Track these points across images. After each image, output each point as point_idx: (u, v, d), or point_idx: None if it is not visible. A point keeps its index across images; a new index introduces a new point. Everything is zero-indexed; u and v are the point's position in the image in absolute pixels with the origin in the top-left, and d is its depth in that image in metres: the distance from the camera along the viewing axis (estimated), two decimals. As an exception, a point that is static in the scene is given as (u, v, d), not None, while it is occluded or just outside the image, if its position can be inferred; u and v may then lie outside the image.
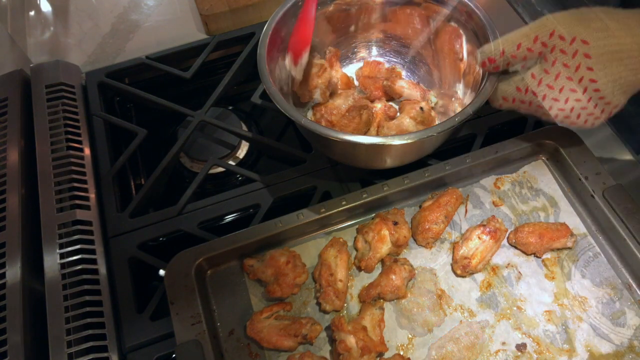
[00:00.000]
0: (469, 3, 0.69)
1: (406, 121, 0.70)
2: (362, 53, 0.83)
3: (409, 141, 0.58)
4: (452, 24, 0.73)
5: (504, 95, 0.63)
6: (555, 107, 0.59)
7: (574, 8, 0.57)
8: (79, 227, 0.65)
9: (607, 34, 0.54)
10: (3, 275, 0.60)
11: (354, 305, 0.62)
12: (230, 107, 0.87)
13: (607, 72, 0.54)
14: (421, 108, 0.70)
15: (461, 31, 0.72)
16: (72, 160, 0.71)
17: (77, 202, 0.67)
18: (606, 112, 0.58)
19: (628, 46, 0.53)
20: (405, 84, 0.76)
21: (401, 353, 0.58)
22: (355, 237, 0.65)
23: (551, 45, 0.56)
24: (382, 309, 0.59)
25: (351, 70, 0.82)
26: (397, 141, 0.58)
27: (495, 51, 0.60)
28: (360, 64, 0.82)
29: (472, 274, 0.63)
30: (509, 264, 0.64)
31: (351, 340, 0.55)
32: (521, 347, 0.58)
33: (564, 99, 0.58)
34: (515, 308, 0.61)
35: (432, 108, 0.74)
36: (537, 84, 0.59)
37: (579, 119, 0.59)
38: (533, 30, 0.57)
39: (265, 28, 0.68)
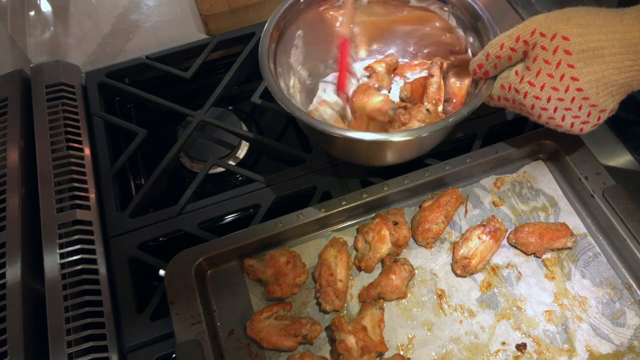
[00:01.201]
0: (476, 7, 0.69)
1: (415, 125, 0.70)
2: (363, 51, 0.83)
3: (409, 137, 0.58)
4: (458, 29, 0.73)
5: (490, 94, 0.62)
6: (538, 105, 0.58)
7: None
8: (79, 227, 0.65)
9: (587, 30, 0.52)
10: (3, 275, 0.60)
11: (354, 305, 0.62)
12: (230, 107, 0.87)
13: (589, 70, 0.53)
14: (427, 110, 0.70)
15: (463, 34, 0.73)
16: (72, 160, 0.71)
17: (77, 202, 0.67)
18: (593, 115, 0.56)
19: (609, 42, 0.52)
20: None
21: (401, 353, 0.58)
22: (355, 237, 0.65)
23: (532, 43, 0.55)
24: (382, 309, 0.59)
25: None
26: (397, 137, 0.58)
27: (482, 56, 0.60)
28: (365, 62, 0.81)
29: (472, 274, 0.63)
30: (509, 264, 0.64)
31: (351, 340, 0.55)
32: (521, 347, 0.58)
33: (546, 98, 0.57)
34: (515, 308, 0.61)
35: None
36: (519, 81, 0.58)
37: (564, 121, 0.58)
38: (516, 30, 0.57)
39: (265, 28, 0.68)
